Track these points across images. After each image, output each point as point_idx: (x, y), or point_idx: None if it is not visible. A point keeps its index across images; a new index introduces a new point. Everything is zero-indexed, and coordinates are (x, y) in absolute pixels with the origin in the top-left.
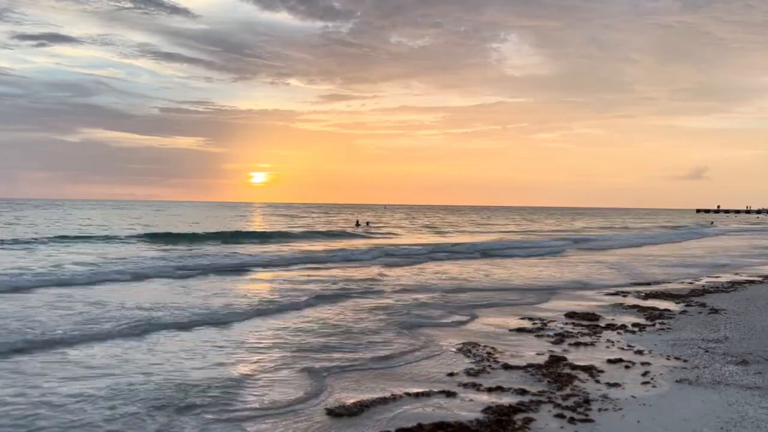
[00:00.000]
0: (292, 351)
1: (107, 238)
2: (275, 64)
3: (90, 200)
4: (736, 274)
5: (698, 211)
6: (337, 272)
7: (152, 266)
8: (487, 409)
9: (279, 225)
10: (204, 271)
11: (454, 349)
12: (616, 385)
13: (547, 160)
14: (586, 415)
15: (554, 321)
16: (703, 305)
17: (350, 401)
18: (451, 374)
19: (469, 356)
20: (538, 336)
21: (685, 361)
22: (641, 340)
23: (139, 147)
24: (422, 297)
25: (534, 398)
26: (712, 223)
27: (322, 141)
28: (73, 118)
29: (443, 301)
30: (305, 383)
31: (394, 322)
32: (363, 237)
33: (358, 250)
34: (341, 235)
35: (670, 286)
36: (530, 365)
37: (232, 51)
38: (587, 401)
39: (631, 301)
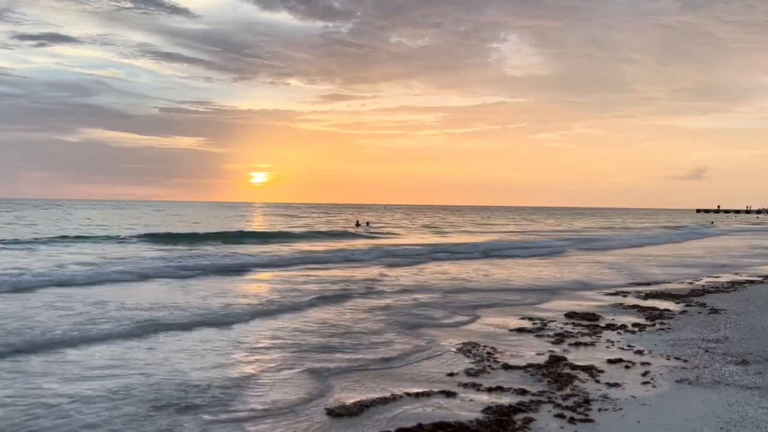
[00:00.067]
0: (293, 351)
1: (107, 238)
2: (275, 64)
3: (90, 200)
4: (736, 274)
5: (698, 211)
6: (337, 272)
7: (153, 266)
8: (487, 409)
9: (279, 225)
10: (204, 271)
11: (454, 349)
12: (616, 385)
13: (547, 160)
14: (586, 415)
15: (554, 321)
16: (703, 305)
17: (350, 401)
18: (451, 374)
19: (469, 356)
20: (538, 336)
21: (685, 361)
22: (641, 340)
23: (139, 147)
24: (422, 297)
25: (534, 398)
26: (712, 222)
27: (322, 141)
28: (73, 118)
29: (444, 302)
30: (306, 384)
31: (395, 323)
32: (363, 237)
33: (358, 250)
34: (341, 235)
35: (670, 286)
36: (530, 365)
37: (232, 51)
38: (587, 401)
39: (631, 301)
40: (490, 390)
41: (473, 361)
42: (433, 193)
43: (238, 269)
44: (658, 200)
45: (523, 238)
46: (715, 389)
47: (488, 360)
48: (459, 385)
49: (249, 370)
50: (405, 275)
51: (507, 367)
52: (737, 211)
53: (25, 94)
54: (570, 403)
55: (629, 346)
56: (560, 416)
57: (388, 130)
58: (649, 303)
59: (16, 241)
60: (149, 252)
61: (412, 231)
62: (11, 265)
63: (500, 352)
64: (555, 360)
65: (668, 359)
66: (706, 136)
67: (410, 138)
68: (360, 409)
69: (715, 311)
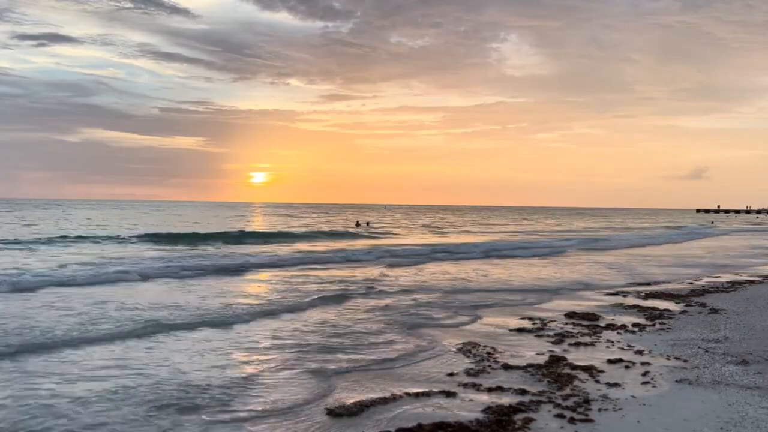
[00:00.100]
0: (293, 351)
1: (108, 238)
2: (275, 64)
3: (90, 200)
4: (736, 274)
5: (698, 211)
6: (337, 273)
7: (153, 266)
8: (487, 409)
9: (279, 225)
10: (205, 271)
11: (454, 349)
12: (616, 385)
13: (547, 160)
14: (586, 415)
15: (554, 321)
16: (703, 305)
17: (350, 401)
18: (451, 374)
19: (469, 356)
20: (538, 336)
21: (685, 361)
22: (641, 340)
23: (139, 147)
24: (422, 297)
25: (534, 398)
26: (712, 222)
27: (322, 141)
28: (73, 118)
29: (444, 302)
30: (306, 384)
31: (395, 323)
32: (363, 237)
33: (359, 250)
34: (342, 235)
35: (670, 286)
36: (530, 365)
37: (232, 51)
38: (587, 401)
39: (631, 301)
40: (490, 390)
41: (473, 361)
42: (433, 193)
43: (238, 269)
44: (658, 200)
45: (523, 238)
46: (715, 389)
47: (488, 360)
48: (459, 385)
49: (249, 370)
50: (405, 275)
51: (507, 367)
52: (737, 211)
53: (25, 94)
54: (570, 403)
55: (629, 346)
56: (560, 416)
57: (388, 130)
58: (649, 303)
59: (16, 241)
60: (149, 252)
61: (412, 231)
62: (11, 265)
63: (500, 352)
64: (555, 360)
65: (668, 359)
66: (706, 136)
67: (410, 138)
68: (360, 409)
69: (715, 311)
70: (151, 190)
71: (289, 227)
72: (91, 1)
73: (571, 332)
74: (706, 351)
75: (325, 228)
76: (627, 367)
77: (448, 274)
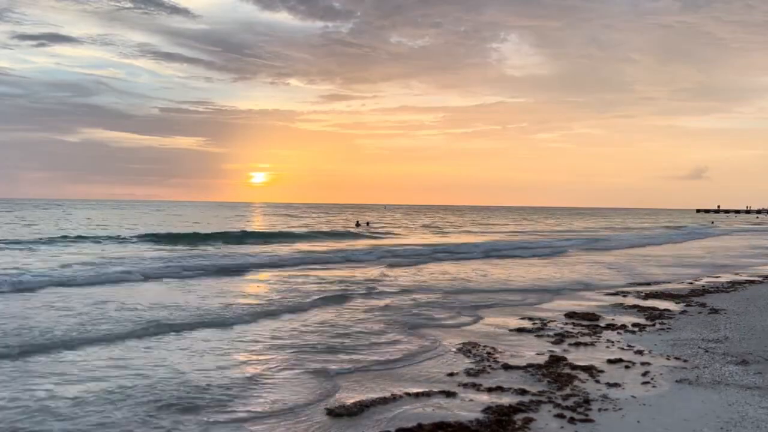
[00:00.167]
0: (293, 352)
1: (108, 238)
2: (275, 64)
3: (90, 200)
4: (736, 274)
5: (698, 211)
6: (338, 273)
7: (153, 266)
8: (487, 409)
9: (280, 225)
10: (205, 271)
11: (454, 350)
12: (616, 385)
13: (547, 160)
14: (586, 415)
15: (554, 321)
16: (703, 305)
17: (350, 401)
18: (451, 374)
19: (469, 356)
20: (538, 336)
21: (685, 361)
22: (641, 340)
23: (139, 147)
24: (423, 297)
25: (534, 398)
26: (712, 222)
27: (322, 141)
28: (73, 118)
29: (444, 302)
30: (306, 384)
31: (395, 323)
32: (364, 237)
33: (358, 250)
34: (342, 235)
35: (670, 287)
36: (530, 365)
37: (232, 51)
38: (587, 401)
39: (631, 301)
40: (490, 390)
41: (473, 361)
42: (433, 193)
43: (239, 269)
44: (658, 200)
45: (523, 239)
46: (715, 389)
47: (488, 360)
48: (459, 385)
49: (249, 370)
50: (405, 275)
51: (507, 367)
52: (737, 211)
53: (25, 94)
54: (570, 403)
55: (629, 346)
56: (560, 416)
57: (388, 130)
58: (649, 303)
59: (17, 241)
60: (149, 252)
61: (412, 231)
62: (11, 265)
63: (500, 352)
64: (555, 360)
65: (668, 359)
66: (706, 136)
67: (410, 138)
68: (360, 409)
69: (715, 311)
70: (151, 190)
71: (289, 227)
72: (91, 1)
73: (571, 332)
74: (706, 351)
75: (325, 228)
76: (627, 367)
77: (448, 274)
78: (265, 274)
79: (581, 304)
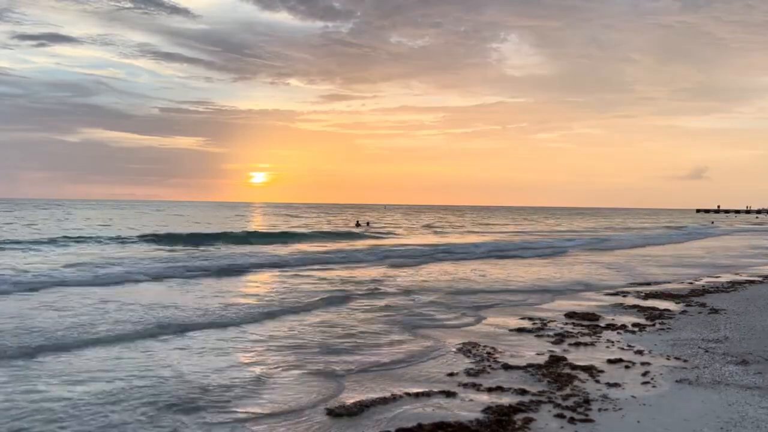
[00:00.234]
0: (294, 352)
1: (108, 239)
2: (275, 64)
3: (90, 200)
4: (736, 274)
5: (698, 211)
6: (338, 273)
7: (153, 267)
8: (487, 409)
9: (280, 225)
10: (206, 271)
11: (454, 350)
12: (616, 385)
13: (547, 160)
14: (586, 415)
15: (554, 321)
16: (703, 305)
17: (350, 401)
18: (451, 374)
19: (469, 356)
20: (538, 336)
21: (685, 361)
22: (641, 340)
23: (139, 147)
24: (424, 298)
25: (534, 398)
26: (712, 222)
27: (322, 141)
28: (73, 118)
29: (444, 302)
30: (307, 385)
31: (396, 323)
32: (364, 238)
33: (359, 250)
34: (342, 235)
35: (670, 287)
36: (530, 365)
37: (232, 51)
38: (587, 401)
39: (631, 301)
40: (490, 390)
41: (473, 361)
42: (433, 193)
43: (240, 270)
44: (658, 200)
45: (524, 239)
46: (715, 389)
47: (488, 360)
48: (459, 385)
49: (250, 371)
50: (405, 276)
51: (507, 367)
52: (737, 211)
53: (25, 94)
54: (570, 403)
55: (629, 346)
56: (560, 416)
57: (388, 130)
58: (649, 303)
59: (16, 241)
60: (150, 252)
61: (412, 231)
62: (11, 265)
63: (500, 352)
64: (555, 360)
65: (668, 359)
66: (706, 136)
67: (410, 138)
68: (360, 409)
69: (715, 311)
70: (151, 190)
71: (289, 227)
72: (91, 1)
73: (571, 332)
74: (706, 351)
75: (325, 228)
76: (627, 367)
77: (448, 274)
78: (265, 275)
79: (581, 304)
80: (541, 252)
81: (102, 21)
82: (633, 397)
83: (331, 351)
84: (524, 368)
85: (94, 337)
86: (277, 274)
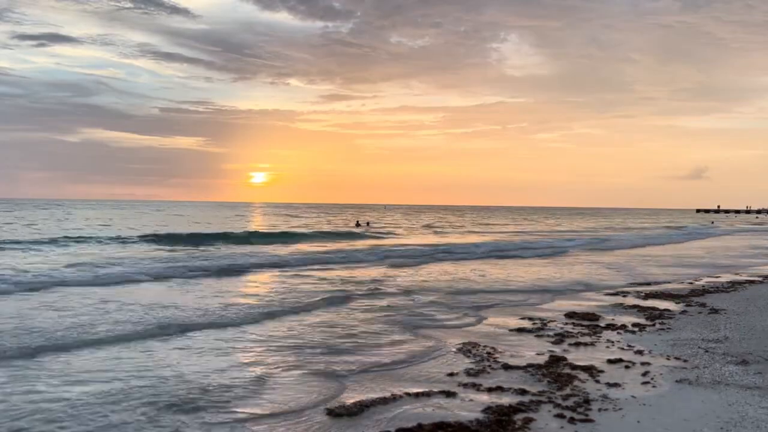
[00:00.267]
0: (294, 353)
1: (108, 239)
2: (275, 64)
3: (90, 200)
4: (736, 274)
5: (698, 211)
6: (339, 273)
7: (153, 267)
8: (487, 409)
9: (280, 225)
10: (206, 272)
11: (454, 350)
12: (616, 385)
13: (547, 160)
14: (586, 415)
15: (554, 321)
16: (703, 305)
17: (350, 401)
18: (451, 374)
19: (469, 356)
20: (538, 336)
21: (685, 361)
22: (641, 340)
23: (139, 147)
24: (423, 298)
25: (534, 398)
26: (712, 222)
27: (322, 141)
28: (73, 118)
29: (445, 302)
30: (307, 385)
31: (396, 323)
32: (364, 238)
33: (359, 250)
34: (343, 235)
35: (670, 287)
36: (530, 365)
37: (232, 51)
38: (587, 401)
39: (631, 301)
40: (490, 390)
41: (473, 361)
42: (433, 193)
43: (240, 270)
44: (658, 200)
45: (524, 239)
46: (715, 389)
47: (488, 360)
48: (459, 385)
49: (250, 371)
50: (406, 276)
51: (507, 367)
52: (737, 211)
53: (25, 94)
54: (570, 403)
55: (629, 346)
56: (560, 416)
57: (388, 130)
58: (649, 303)
59: (16, 241)
60: (150, 252)
61: (412, 231)
62: (11, 265)
63: (500, 352)
64: (555, 360)
65: (668, 359)
66: (706, 136)
67: (410, 138)
68: (360, 409)
69: (715, 311)
70: (151, 190)
71: (290, 227)
72: (91, 1)
73: (571, 332)
74: (706, 351)
75: (325, 228)
76: (627, 367)
77: (448, 274)
78: (265, 275)
79: (581, 304)
80: (541, 252)
81: (102, 21)
82: (633, 397)
83: (331, 351)
84: (524, 368)
85: (94, 337)
86: (277, 274)
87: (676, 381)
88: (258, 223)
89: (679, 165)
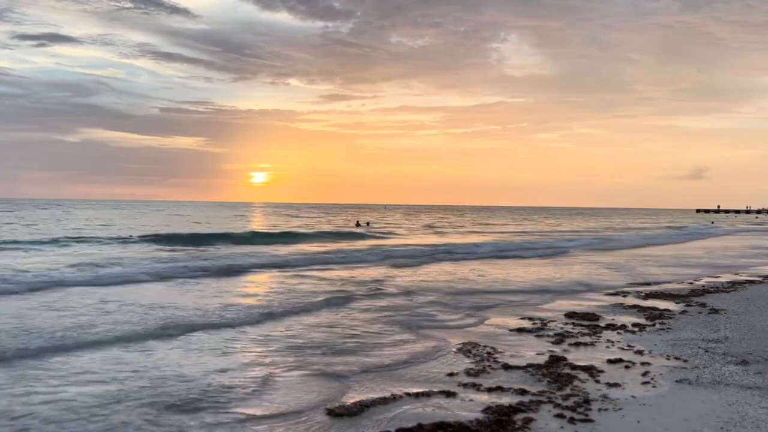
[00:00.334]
0: (294, 353)
1: (108, 239)
2: (275, 64)
3: (90, 200)
4: (736, 274)
5: (698, 211)
6: (339, 273)
7: (154, 267)
8: (487, 409)
9: (280, 225)
10: (207, 272)
11: (454, 350)
12: (616, 385)
13: (547, 160)
14: (586, 415)
15: (554, 321)
16: (703, 305)
17: (350, 401)
18: (451, 374)
19: (469, 356)
20: (538, 336)
21: (685, 361)
22: (641, 340)
23: (139, 147)
24: (424, 298)
25: (534, 398)
26: (712, 222)
27: (322, 141)
28: (73, 118)
29: (445, 302)
30: (307, 385)
31: (396, 323)
32: (364, 238)
33: (359, 251)
34: (343, 235)
35: (670, 287)
36: (530, 365)
37: (232, 51)
38: (587, 401)
39: (631, 301)
40: (490, 390)
41: (473, 361)
42: (433, 193)
43: (240, 270)
44: (658, 200)
45: (524, 239)
46: (715, 389)
47: (488, 360)
48: (459, 385)
49: (250, 371)
50: (406, 276)
51: (507, 367)
52: (737, 211)
53: (25, 94)
54: (570, 403)
55: (629, 346)
56: (560, 416)
57: (388, 130)
58: (649, 303)
59: (16, 241)
60: (150, 252)
61: (412, 231)
62: (11, 265)
63: (500, 352)
64: (555, 360)
65: (668, 359)
66: (706, 136)
67: (410, 138)
68: (360, 409)
69: (715, 311)
70: (151, 190)
71: (290, 227)
72: (91, 1)
73: (571, 332)
74: (706, 351)
75: (326, 228)
76: (627, 367)
77: (449, 274)
78: (265, 275)
79: (581, 304)
80: (541, 252)
81: (102, 21)
82: (633, 397)
83: (331, 351)
84: (524, 368)
85: (94, 337)
86: (278, 274)
87: (676, 381)
88: (258, 223)
89: (679, 165)
